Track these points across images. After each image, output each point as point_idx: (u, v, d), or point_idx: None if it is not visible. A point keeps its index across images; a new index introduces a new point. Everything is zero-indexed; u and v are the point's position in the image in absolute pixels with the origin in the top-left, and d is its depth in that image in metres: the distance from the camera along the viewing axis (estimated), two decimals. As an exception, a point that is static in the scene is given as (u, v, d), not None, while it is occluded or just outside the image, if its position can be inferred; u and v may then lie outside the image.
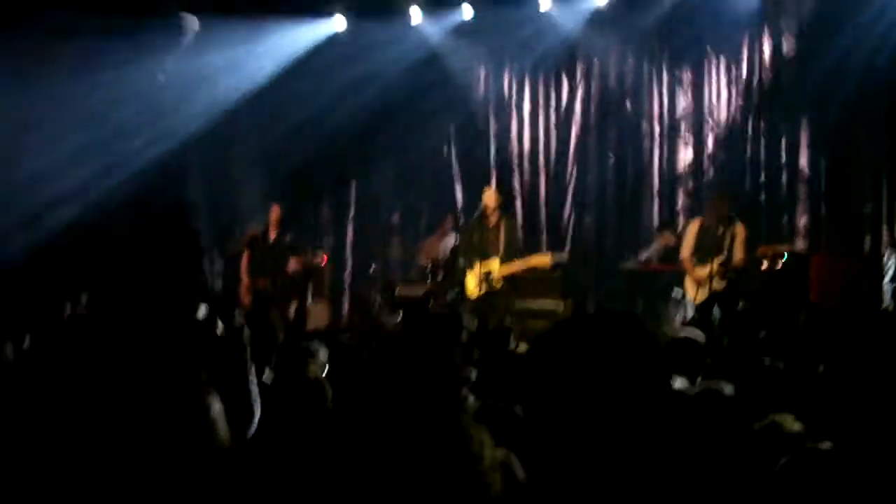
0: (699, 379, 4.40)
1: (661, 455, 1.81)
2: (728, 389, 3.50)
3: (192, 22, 12.51)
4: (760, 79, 11.92)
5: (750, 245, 9.80)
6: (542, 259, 10.43)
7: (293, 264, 10.83)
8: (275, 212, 11.15)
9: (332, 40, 13.08)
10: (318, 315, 12.04)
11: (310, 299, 11.87)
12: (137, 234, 11.93)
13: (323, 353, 4.46)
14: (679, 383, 3.97)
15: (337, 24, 13.02)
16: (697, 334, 5.13)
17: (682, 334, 5.17)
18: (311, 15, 12.79)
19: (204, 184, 13.22)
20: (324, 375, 3.98)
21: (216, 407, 1.82)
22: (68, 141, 11.77)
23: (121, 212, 12.06)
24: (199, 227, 12.77)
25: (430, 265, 11.80)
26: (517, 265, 9.98)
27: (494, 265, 9.97)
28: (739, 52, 12.05)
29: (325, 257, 11.67)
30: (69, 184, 11.66)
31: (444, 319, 5.23)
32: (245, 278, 11.10)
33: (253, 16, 12.25)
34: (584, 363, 1.81)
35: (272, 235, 11.16)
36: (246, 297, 10.92)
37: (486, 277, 9.95)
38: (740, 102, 12.05)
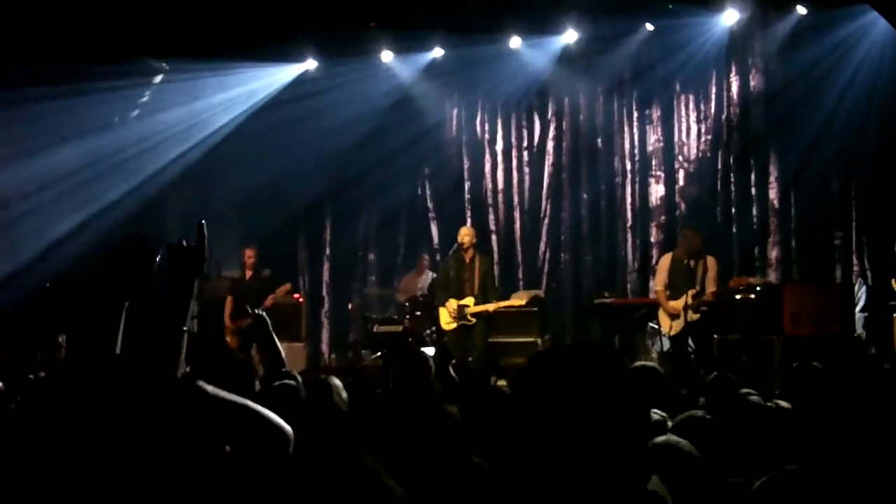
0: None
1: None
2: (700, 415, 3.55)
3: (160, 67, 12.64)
4: (729, 115, 12.10)
5: (722, 277, 9.91)
6: (516, 302, 10.52)
7: (269, 300, 10.82)
8: (249, 255, 11.15)
9: (303, 80, 13.18)
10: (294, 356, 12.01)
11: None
12: (107, 282, 11.91)
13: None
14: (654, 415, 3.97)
15: (307, 65, 13.13)
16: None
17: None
18: (282, 58, 12.87)
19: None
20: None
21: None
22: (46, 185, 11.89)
23: (95, 257, 12.05)
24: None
25: (407, 302, 11.82)
26: (491, 306, 10.02)
27: (469, 301, 10.00)
28: (708, 89, 12.23)
29: (290, 287, 11.57)
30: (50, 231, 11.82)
31: (417, 356, 5.20)
32: (228, 322, 11.07)
33: (222, 60, 12.30)
34: (566, 394, 1.85)
35: (247, 276, 11.17)
36: (231, 340, 10.90)
37: (461, 311, 9.98)
38: (709, 138, 12.21)
